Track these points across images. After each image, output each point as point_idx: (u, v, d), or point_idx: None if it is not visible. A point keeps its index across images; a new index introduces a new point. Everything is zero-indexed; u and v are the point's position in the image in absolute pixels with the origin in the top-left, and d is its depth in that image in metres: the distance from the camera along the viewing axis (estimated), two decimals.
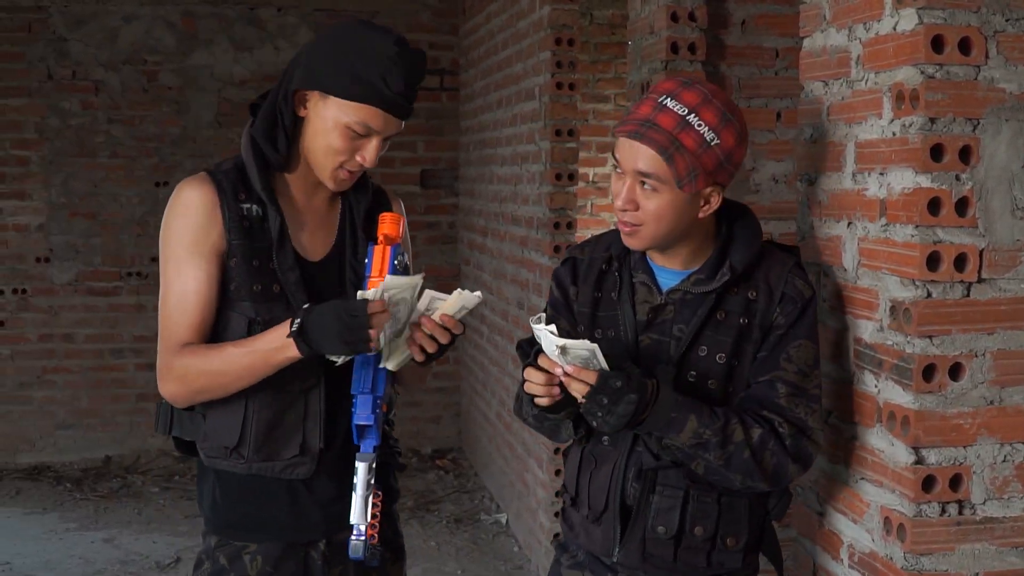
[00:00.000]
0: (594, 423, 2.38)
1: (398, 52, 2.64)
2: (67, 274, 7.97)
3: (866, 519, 2.41)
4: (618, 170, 2.45)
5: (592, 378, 2.32)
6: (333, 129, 2.62)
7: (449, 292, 2.58)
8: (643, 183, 2.40)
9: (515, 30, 6.37)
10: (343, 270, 2.75)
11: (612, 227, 2.59)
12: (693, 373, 2.47)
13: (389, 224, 2.68)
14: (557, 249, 5.60)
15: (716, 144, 2.38)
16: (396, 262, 2.67)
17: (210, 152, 7.81)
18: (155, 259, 7.94)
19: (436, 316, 2.57)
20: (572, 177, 5.69)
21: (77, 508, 7.08)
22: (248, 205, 2.66)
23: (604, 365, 2.33)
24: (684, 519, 2.50)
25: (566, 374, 2.34)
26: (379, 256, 2.66)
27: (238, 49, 8.02)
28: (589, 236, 2.69)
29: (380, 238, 2.68)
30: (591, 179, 8.53)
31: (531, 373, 2.39)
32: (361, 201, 2.82)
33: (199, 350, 2.61)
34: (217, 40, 8.00)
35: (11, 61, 7.81)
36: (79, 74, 7.90)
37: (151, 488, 7.37)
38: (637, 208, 2.42)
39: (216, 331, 2.65)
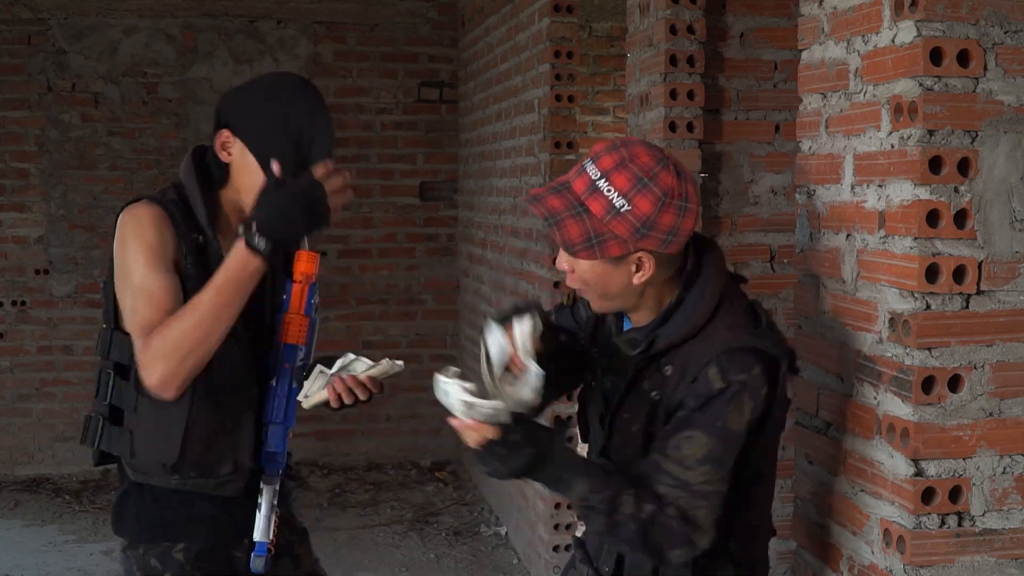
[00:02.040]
0: (486, 470, 2.35)
1: (309, 115, 2.74)
2: (66, 286, 7.97)
3: (866, 531, 2.41)
4: None
5: (492, 433, 2.30)
6: (256, 171, 2.71)
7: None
8: (571, 256, 2.37)
9: (514, 43, 6.38)
10: (264, 299, 2.80)
11: None
12: (617, 437, 2.46)
13: (306, 262, 2.79)
14: (556, 261, 5.59)
15: (627, 210, 2.26)
16: (313, 300, 2.81)
17: None
18: None
19: (361, 376, 2.73)
20: None
21: (76, 520, 7.08)
22: (195, 235, 2.72)
23: (508, 421, 2.29)
24: None
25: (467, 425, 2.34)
26: (298, 294, 2.79)
27: (238, 62, 8.03)
28: None
29: (299, 276, 2.78)
30: None
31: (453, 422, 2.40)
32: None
33: (167, 322, 2.60)
34: (217, 53, 8.01)
35: (11, 73, 7.82)
36: (79, 87, 7.90)
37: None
38: (573, 271, 2.40)
39: None
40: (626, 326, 2.49)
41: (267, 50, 8.01)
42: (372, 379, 2.74)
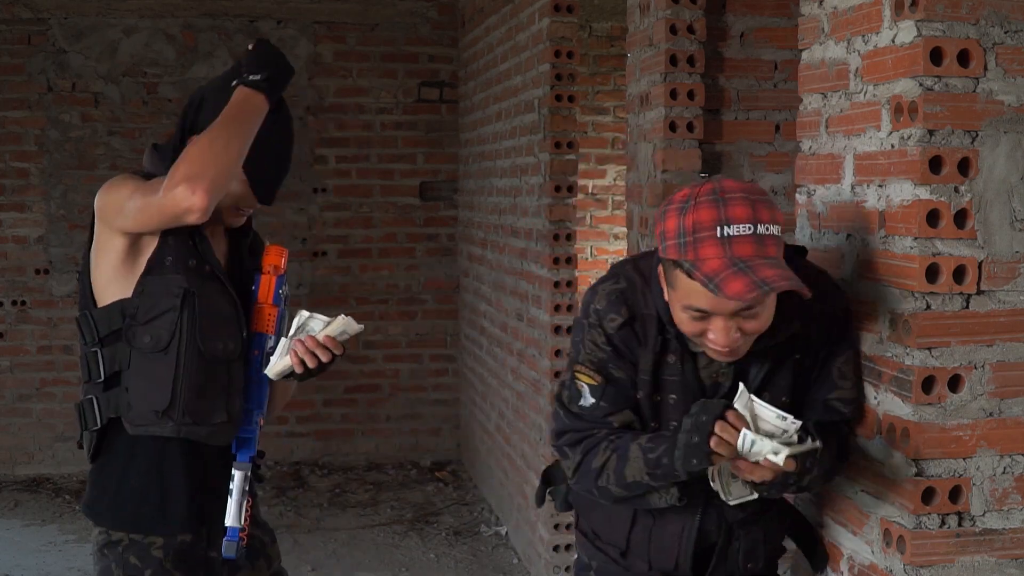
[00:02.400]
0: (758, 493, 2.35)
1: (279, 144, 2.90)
2: (66, 286, 7.96)
3: (866, 531, 2.41)
4: (699, 317, 2.27)
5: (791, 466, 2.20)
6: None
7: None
8: (742, 314, 2.24)
9: (514, 43, 6.38)
10: (232, 287, 2.91)
11: (619, 277, 2.49)
12: None
13: (274, 255, 2.96)
14: (556, 261, 5.60)
15: (782, 229, 2.27)
16: (281, 291, 2.95)
17: None
18: None
19: (320, 336, 2.77)
20: (571, 189, 5.69)
21: (76, 520, 7.07)
22: None
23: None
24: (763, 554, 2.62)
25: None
26: (266, 284, 2.93)
27: None
28: (604, 288, 2.49)
29: (268, 268, 2.93)
30: (590, 191, 8.54)
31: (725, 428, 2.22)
32: (243, 237, 3.03)
33: (182, 155, 2.71)
34: (217, 53, 8.01)
35: (11, 73, 7.82)
36: (79, 86, 7.90)
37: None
38: (742, 334, 2.27)
39: (143, 303, 2.78)
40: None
41: None
42: (331, 339, 2.77)
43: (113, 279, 2.82)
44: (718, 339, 2.27)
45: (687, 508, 2.50)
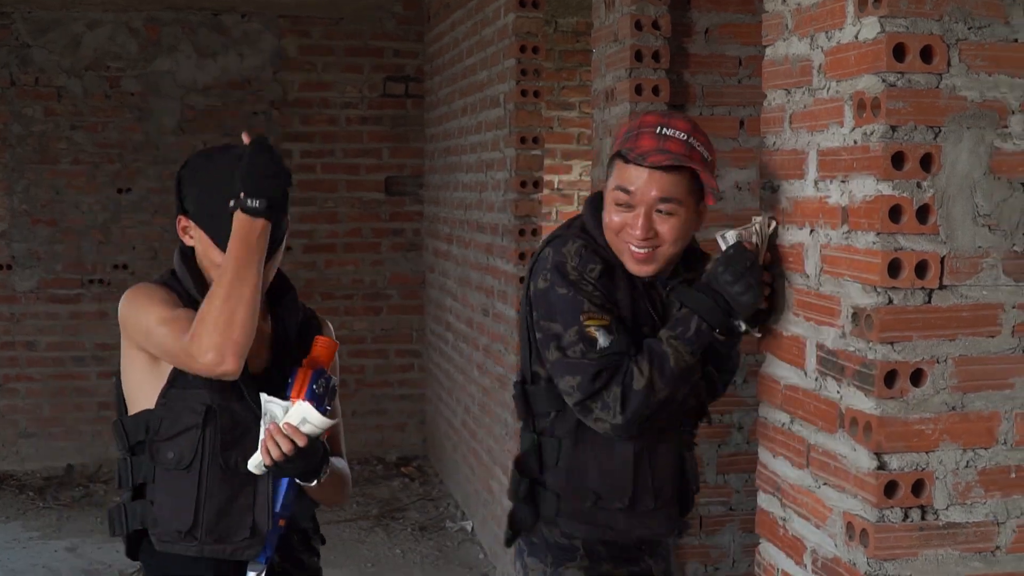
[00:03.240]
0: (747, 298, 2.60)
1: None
2: (29, 281, 7.91)
3: (829, 524, 2.42)
4: (623, 203, 2.69)
5: None
6: (210, 248, 2.76)
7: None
8: (659, 209, 2.66)
9: (480, 38, 6.38)
10: (282, 388, 2.78)
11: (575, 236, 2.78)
12: None
13: (320, 348, 2.82)
14: (522, 256, 5.61)
15: (710, 161, 2.71)
16: (315, 386, 2.74)
17: (173, 158, 7.76)
18: (117, 266, 7.97)
19: (281, 423, 2.65)
20: (537, 184, 5.70)
21: (40, 517, 7.03)
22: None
23: None
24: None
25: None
26: (300, 378, 2.75)
27: (201, 55, 7.99)
28: (567, 250, 2.77)
29: (306, 361, 2.79)
30: (556, 186, 8.55)
31: None
32: (291, 319, 2.93)
33: (198, 313, 2.63)
34: (180, 46, 7.97)
35: None
36: (42, 81, 7.85)
37: (114, 497, 7.32)
38: (656, 235, 2.68)
39: (166, 417, 2.73)
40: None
41: (231, 44, 7.98)
42: (291, 427, 2.64)
43: (139, 387, 2.79)
44: (637, 231, 2.67)
45: (669, 434, 2.86)
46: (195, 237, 2.79)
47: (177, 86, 7.97)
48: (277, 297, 2.91)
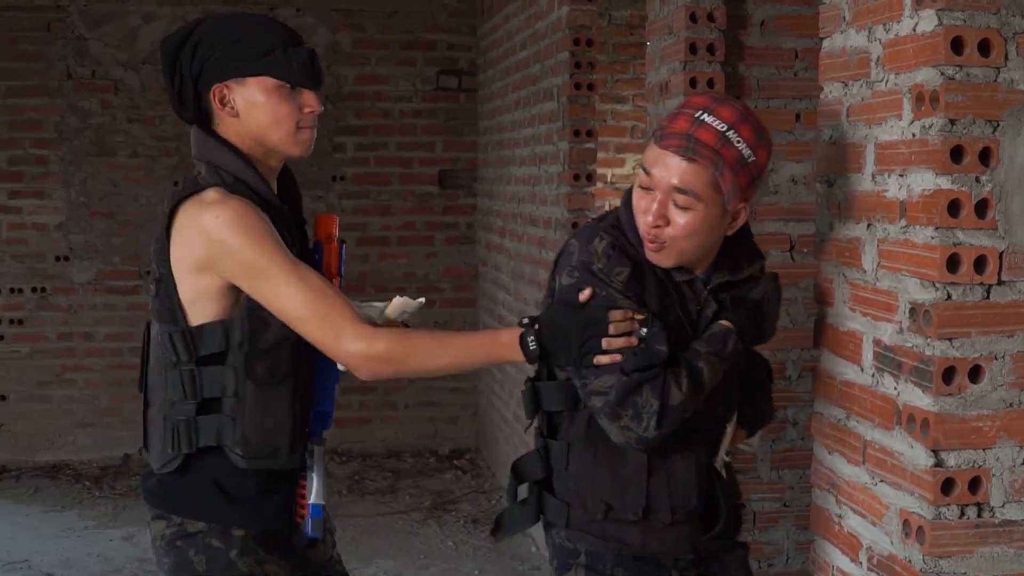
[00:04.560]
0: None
1: (276, 28, 2.78)
2: (86, 273, 8.00)
3: (885, 521, 2.41)
4: (645, 186, 2.51)
5: None
6: (269, 96, 2.69)
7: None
8: (675, 200, 2.47)
9: (533, 31, 6.37)
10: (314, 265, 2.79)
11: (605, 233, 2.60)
12: None
13: (327, 224, 2.85)
14: (651, 215, 5.59)
15: (752, 161, 2.47)
16: (343, 257, 2.85)
17: None
18: None
19: (380, 322, 2.68)
20: (590, 178, 5.69)
21: (95, 506, 7.11)
22: (278, 205, 2.75)
23: None
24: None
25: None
26: (328, 255, 2.82)
27: None
28: (594, 248, 2.57)
29: (325, 236, 2.81)
30: (609, 180, 8.53)
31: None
32: (297, 200, 2.92)
33: (409, 336, 2.63)
34: None
35: (30, 60, 7.85)
36: (98, 73, 7.93)
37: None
38: (668, 224, 2.49)
39: (256, 331, 2.64)
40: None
41: None
42: (392, 322, 2.68)
43: (207, 297, 2.65)
44: (651, 215, 2.48)
45: (692, 444, 2.62)
46: (239, 103, 2.69)
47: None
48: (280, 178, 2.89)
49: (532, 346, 2.51)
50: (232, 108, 2.70)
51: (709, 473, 2.67)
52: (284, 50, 2.70)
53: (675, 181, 2.45)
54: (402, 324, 2.70)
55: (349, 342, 2.58)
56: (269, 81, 2.69)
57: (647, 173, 2.49)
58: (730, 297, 2.62)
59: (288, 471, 2.76)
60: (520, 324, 2.55)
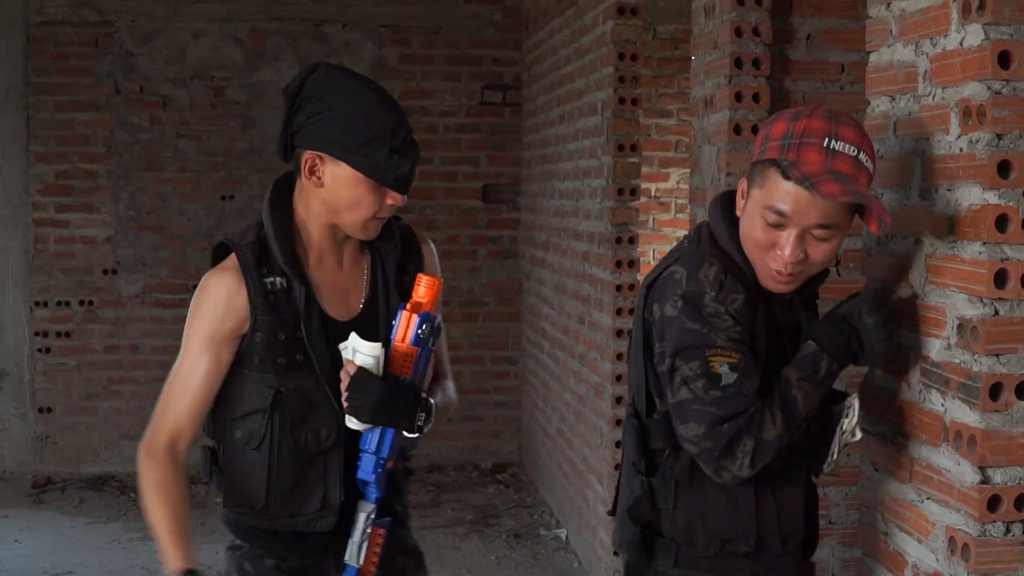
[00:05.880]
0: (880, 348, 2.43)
1: (392, 122, 2.69)
2: (134, 286, 8.06)
3: (931, 539, 2.39)
4: (776, 224, 2.38)
5: None
6: (357, 185, 2.66)
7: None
8: (815, 234, 2.37)
9: (578, 45, 6.38)
10: (377, 328, 2.75)
11: (687, 246, 2.55)
12: None
13: (425, 288, 2.68)
14: (619, 264, 5.59)
15: (874, 174, 2.40)
16: (420, 331, 2.66)
17: (276, 167, 7.77)
18: None
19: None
20: (634, 192, 5.69)
21: (140, 518, 7.07)
22: (271, 279, 2.69)
23: None
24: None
25: None
26: (404, 323, 2.66)
27: (304, 65, 8.08)
28: (703, 275, 2.45)
29: (409, 304, 2.67)
30: (653, 194, 8.53)
31: None
32: (389, 252, 2.83)
33: (157, 487, 2.82)
34: (284, 56, 8.07)
35: (79, 76, 7.93)
36: (147, 89, 8.00)
37: (214, 499, 7.41)
38: (806, 259, 2.40)
39: (233, 396, 2.73)
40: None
41: (332, 53, 8.07)
42: (348, 360, 2.67)
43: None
44: (786, 252, 2.37)
45: (796, 472, 2.56)
46: (326, 176, 2.67)
47: (281, 95, 8.06)
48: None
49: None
50: (319, 179, 2.68)
51: (813, 497, 2.64)
52: (389, 156, 2.63)
53: (820, 219, 2.35)
54: (353, 363, 2.63)
55: (144, 442, 2.80)
56: (363, 177, 2.65)
57: (780, 214, 2.36)
58: (812, 315, 2.59)
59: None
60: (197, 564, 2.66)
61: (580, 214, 6.33)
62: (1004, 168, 2.19)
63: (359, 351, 2.62)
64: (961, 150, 2.27)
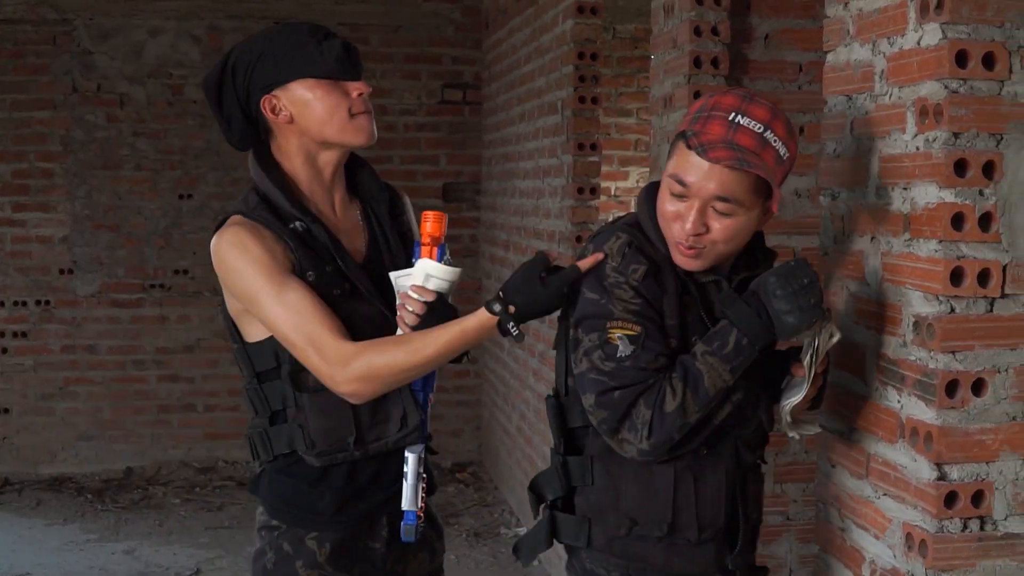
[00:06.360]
0: (791, 320, 2.35)
1: (306, 27, 2.76)
2: (90, 286, 8.00)
3: (888, 535, 2.40)
4: (679, 195, 2.41)
5: None
6: (314, 90, 2.70)
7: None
8: (715, 207, 2.39)
9: (538, 44, 6.38)
10: (385, 269, 2.78)
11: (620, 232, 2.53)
12: None
13: (433, 223, 2.71)
14: (691, 224, 5.59)
15: (787, 157, 2.40)
16: (443, 261, 2.71)
17: (233, 165, 7.82)
18: (177, 271, 8.06)
19: (408, 289, 2.65)
20: (594, 191, 5.70)
21: (98, 519, 7.10)
22: (293, 224, 2.69)
23: None
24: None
25: None
26: (426, 256, 2.69)
27: None
28: (613, 241, 2.51)
29: (427, 239, 2.70)
30: (613, 193, 8.55)
31: None
32: (380, 201, 2.88)
33: (379, 346, 2.61)
34: None
35: (36, 74, 7.86)
36: (104, 87, 7.94)
37: (172, 500, 7.38)
38: (707, 231, 2.41)
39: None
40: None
41: None
42: (417, 287, 2.65)
43: (246, 317, 2.73)
44: (687, 225, 2.39)
45: (719, 455, 2.53)
46: (289, 107, 2.71)
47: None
48: (352, 175, 2.87)
49: (515, 331, 2.53)
50: (286, 114, 2.72)
51: (740, 487, 2.58)
52: (316, 45, 2.70)
53: (718, 190, 2.37)
54: (427, 289, 2.65)
55: (333, 368, 2.61)
56: (309, 80, 2.70)
57: (681, 183, 2.40)
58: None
59: (375, 478, 2.79)
60: (488, 308, 2.55)
61: (540, 213, 6.33)
62: (961, 166, 2.20)
63: (433, 275, 2.65)
64: (917, 149, 2.29)
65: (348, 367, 2.59)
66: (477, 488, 7.79)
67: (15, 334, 7.95)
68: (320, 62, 2.69)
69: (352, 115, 2.73)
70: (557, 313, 2.63)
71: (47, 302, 7.97)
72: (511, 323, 2.52)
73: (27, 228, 7.93)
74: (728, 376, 2.39)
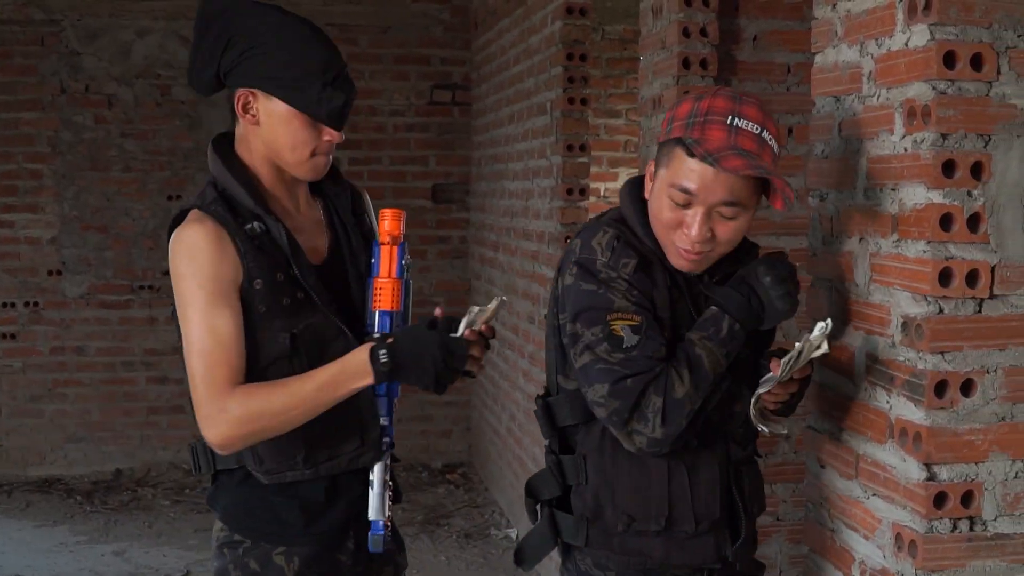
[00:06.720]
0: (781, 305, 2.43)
1: (324, 56, 2.60)
2: (79, 287, 7.98)
3: (877, 535, 2.41)
4: (681, 204, 2.40)
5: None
6: (291, 120, 2.59)
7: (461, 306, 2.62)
8: (720, 211, 2.40)
9: (527, 45, 6.38)
10: (346, 270, 2.73)
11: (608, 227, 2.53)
12: None
13: (391, 221, 2.69)
14: (697, 231, 5.58)
15: (779, 153, 2.44)
16: (404, 262, 2.71)
17: None
18: (166, 272, 8.00)
19: (479, 326, 2.60)
20: (583, 192, 5.70)
21: (87, 521, 7.09)
22: (249, 225, 2.58)
23: None
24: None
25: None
26: (387, 256, 2.68)
27: None
28: (597, 242, 2.50)
29: (386, 238, 2.68)
30: (602, 194, 8.54)
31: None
32: (341, 196, 2.80)
33: (256, 390, 2.49)
34: None
35: (24, 75, 7.85)
36: (92, 88, 7.92)
37: (161, 501, 7.37)
38: (713, 237, 2.42)
39: (250, 352, 2.53)
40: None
41: None
42: (487, 326, 2.61)
43: None
44: (693, 231, 2.40)
45: (711, 448, 2.54)
46: (261, 112, 2.60)
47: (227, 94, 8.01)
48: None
49: (383, 359, 2.44)
50: (254, 116, 2.61)
51: (735, 479, 2.58)
52: (323, 89, 2.56)
53: (727, 196, 2.38)
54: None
55: (208, 417, 2.49)
56: (295, 109, 2.58)
57: (685, 191, 2.39)
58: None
59: (344, 488, 2.68)
60: (372, 337, 2.51)
61: (529, 214, 6.33)
62: (949, 167, 2.21)
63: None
64: (906, 150, 2.29)
65: (225, 411, 2.47)
66: (467, 489, 7.79)
67: (3, 336, 7.94)
68: (316, 106, 2.57)
69: (313, 155, 2.64)
70: (545, 311, 2.62)
71: (36, 303, 7.96)
72: (383, 350, 2.46)
73: (15, 229, 7.91)
74: (724, 361, 2.43)
